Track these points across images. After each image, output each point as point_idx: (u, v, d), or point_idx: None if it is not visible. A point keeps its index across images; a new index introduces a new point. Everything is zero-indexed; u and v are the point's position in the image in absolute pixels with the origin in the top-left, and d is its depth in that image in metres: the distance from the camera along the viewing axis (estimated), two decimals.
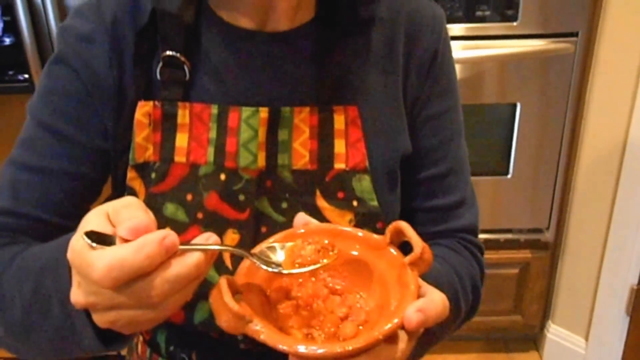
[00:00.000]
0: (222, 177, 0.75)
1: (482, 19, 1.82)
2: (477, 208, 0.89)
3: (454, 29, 1.84)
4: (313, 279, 0.59)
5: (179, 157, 0.75)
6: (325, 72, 0.77)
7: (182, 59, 0.75)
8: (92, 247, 0.47)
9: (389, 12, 0.81)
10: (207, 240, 0.51)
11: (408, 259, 0.55)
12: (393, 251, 0.57)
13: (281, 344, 0.49)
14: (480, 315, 0.89)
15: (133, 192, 0.76)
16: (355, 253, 0.59)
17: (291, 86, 0.77)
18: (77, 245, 0.48)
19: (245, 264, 0.58)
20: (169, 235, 0.46)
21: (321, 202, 0.76)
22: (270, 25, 0.77)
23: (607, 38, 1.85)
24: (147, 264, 0.46)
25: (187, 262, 0.48)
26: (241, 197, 0.75)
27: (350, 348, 0.48)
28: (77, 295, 0.50)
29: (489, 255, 2.11)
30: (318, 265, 0.55)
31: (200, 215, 0.74)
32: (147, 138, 0.75)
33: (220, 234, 0.74)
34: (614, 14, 1.82)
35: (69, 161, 0.76)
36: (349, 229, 0.61)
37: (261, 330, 0.50)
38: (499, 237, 2.11)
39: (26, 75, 1.86)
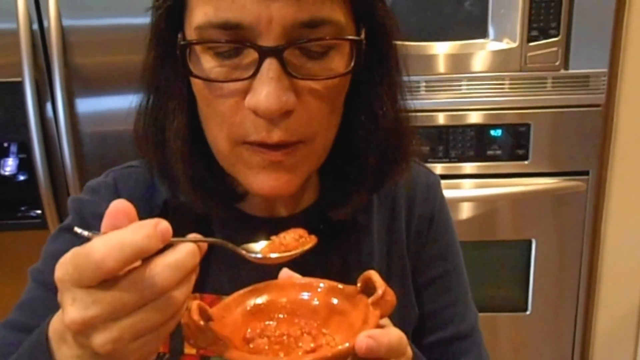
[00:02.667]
0: None
1: (493, 158, 1.86)
2: None
3: (466, 167, 1.87)
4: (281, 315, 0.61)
5: (189, 349, 0.74)
6: (330, 257, 0.77)
7: None
8: (87, 238, 0.46)
9: (388, 187, 0.82)
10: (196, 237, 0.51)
11: (371, 299, 0.56)
12: (361, 297, 0.59)
13: (235, 355, 0.52)
14: None
15: None
16: (335, 302, 0.61)
17: (299, 271, 0.77)
18: (68, 254, 0.46)
19: (223, 302, 0.60)
20: (161, 221, 0.46)
21: None
22: (276, 212, 0.78)
23: (618, 176, 1.87)
24: (146, 244, 0.45)
25: (184, 250, 0.47)
26: None
27: None
28: (73, 313, 0.46)
29: None
30: (299, 251, 0.59)
31: None
32: None
33: None
34: (624, 153, 1.86)
35: None
36: (329, 281, 0.63)
37: (223, 346, 0.53)
38: None
39: (39, 212, 1.87)
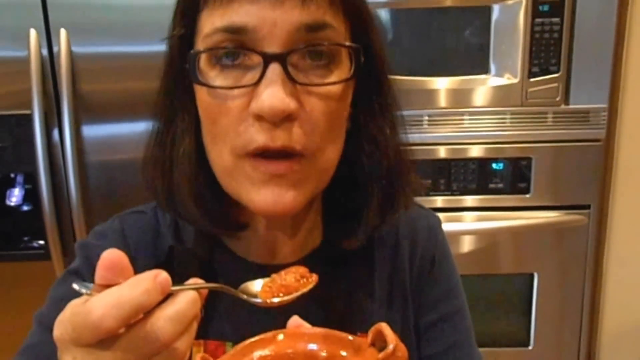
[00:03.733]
0: None
1: (495, 191, 1.87)
2: None
3: (468, 200, 1.88)
4: None
5: None
6: (332, 302, 0.77)
7: None
8: (87, 294, 0.45)
9: (389, 229, 0.82)
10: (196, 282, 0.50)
11: (381, 355, 0.54)
12: (372, 351, 0.57)
13: None
14: None
15: None
16: (344, 354, 0.59)
17: (300, 307, 0.76)
18: (66, 312, 0.45)
19: (228, 354, 0.57)
20: (160, 272, 0.45)
21: None
22: (279, 258, 0.78)
23: (619, 210, 1.88)
24: (145, 299, 0.44)
25: (184, 299, 0.46)
26: None
27: None
28: None
29: None
30: (299, 293, 0.58)
31: None
32: None
33: None
34: (625, 187, 1.87)
35: None
36: (338, 332, 0.60)
37: None
38: None
39: (42, 242, 1.87)
